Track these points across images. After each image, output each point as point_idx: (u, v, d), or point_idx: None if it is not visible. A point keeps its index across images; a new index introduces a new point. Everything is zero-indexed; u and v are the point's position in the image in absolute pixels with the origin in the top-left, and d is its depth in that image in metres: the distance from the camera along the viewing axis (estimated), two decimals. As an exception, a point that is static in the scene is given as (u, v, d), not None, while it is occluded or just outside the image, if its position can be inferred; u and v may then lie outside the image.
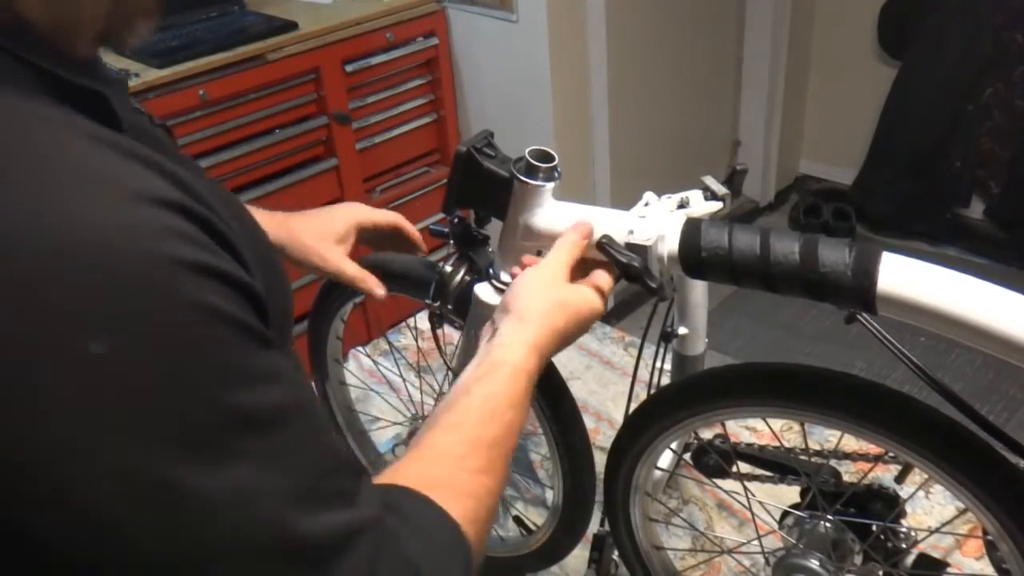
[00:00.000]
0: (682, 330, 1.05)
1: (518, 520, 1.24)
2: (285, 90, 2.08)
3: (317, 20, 2.13)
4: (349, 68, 2.18)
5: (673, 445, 1.06)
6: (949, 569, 0.90)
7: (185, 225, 0.41)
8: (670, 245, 0.75)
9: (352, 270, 0.97)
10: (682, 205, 0.97)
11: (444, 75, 2.42)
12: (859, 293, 0.67)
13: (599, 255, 0.77)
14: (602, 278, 0.78)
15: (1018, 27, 2.72)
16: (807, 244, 0.69)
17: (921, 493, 1.20)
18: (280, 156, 2.13)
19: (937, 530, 0.97)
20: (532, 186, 0.79)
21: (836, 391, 0.80)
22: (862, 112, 3.09)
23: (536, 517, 1.25)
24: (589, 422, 1.42)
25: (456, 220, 0.97)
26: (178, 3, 2.11)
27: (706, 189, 0.82)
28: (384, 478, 0.58)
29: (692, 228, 0.74)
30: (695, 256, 0.73)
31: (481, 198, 0.84)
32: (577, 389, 1.53)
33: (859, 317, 0.80)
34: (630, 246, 0.75)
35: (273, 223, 0.95)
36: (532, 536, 1.17)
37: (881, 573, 0.92)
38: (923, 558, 0.91)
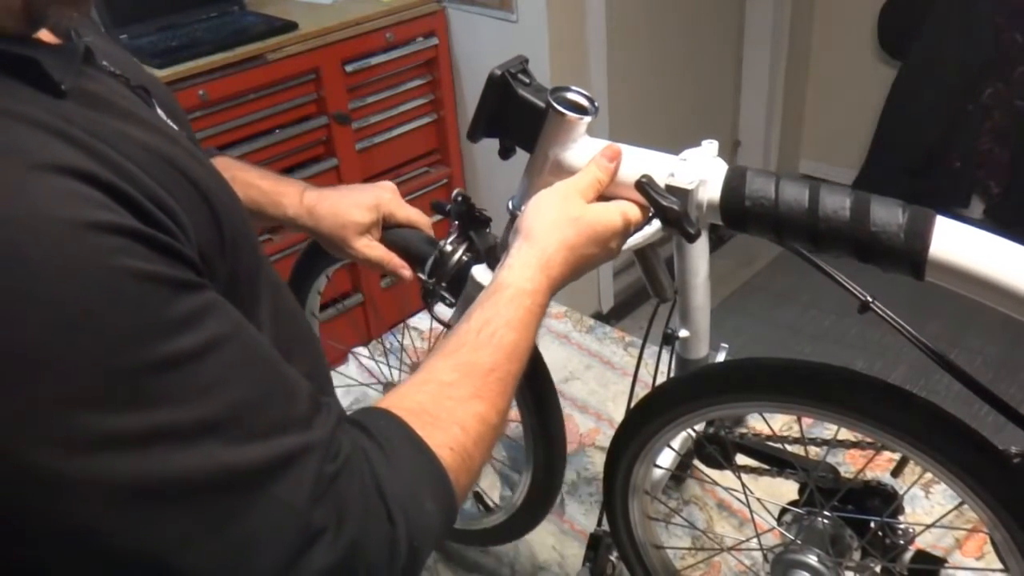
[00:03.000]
0: (683, 333, 1.05)
1: (478, 496, 1.24)
2: (285, 90, 2.08)
3: (317, 20, 2.13)
4: (349, 68, 2.18)
5: (674, 444, 1.06)
6: (947, 566, 0.90)
7: (86, 189, 0.42)
8: (712, 192, 0.71)
9: (375, 254, 0.95)
10: None
11: (444, 75, 2.42)
12: (910, 256, 0.64)
13: (633, 195, 0.73)
14: (629, 205, 0.73)
15: (1018, 27, 2.72)
16: (858, 201, 0.66)
17: (921, 493, 1.20)
18: (280, 156, 2.13)
19: (933, 525, 0.97)
20: (568, 119, 0.75)
21: (831, 384, 0.80)
22: (862, 112, 3.09)
23: (497, 497, 1.25)
24: (589, 422, 1.42)
25: (460, 199, 0.96)
26: (178, 3, 2.11)
27: None
28: (379, 402, 0.59)
29: (737, 175, 0.70)
30: (738, 205, 0.69)
31: (510, 127, 0.79)
32: (577, 389, 1.53)
33: (872, 306, 0.79)
34: (670, 188, 0.71)
35: (303, 210, 0.93)
36: (491, 514, 1.16)
37: (879, 568, 0.92)
38: (921, 555, 0.91)
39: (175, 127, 0.63)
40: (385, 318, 2.18)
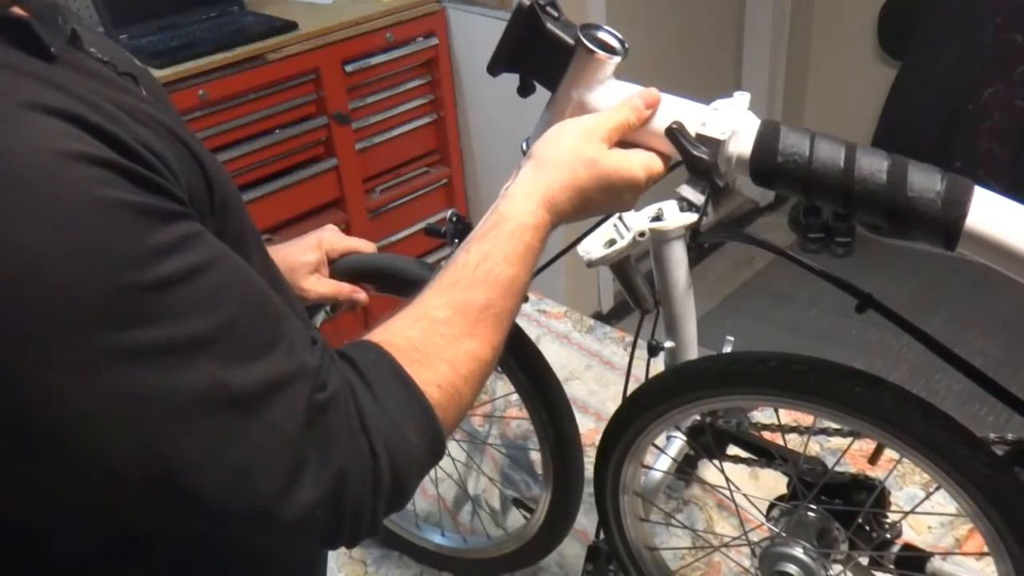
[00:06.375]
0: (668, 344, 1.04)
1: (517, 502, 1.24)
2: (285, 90, 2.08)
3: (317, 20, 2.13)
4: (349, 68, 2.18)
5: (662, 443, 1.06)
6: (934, 558, 0.90)
7: (73, 129, 0.44)
8: (743, 145, 0.68)
9: (324, 290, 0.96)
10: (657, 217, 0.96)
11: (444, 75, 2.42)
12: (946, 225, 0.62)
13: (658, 144, 0.71)
14: (653, 158, 0.70)
15: (1018, 27, 2.72)
16: (896, 165, 0.64)
17: (921, 493, 1.20)
18: (280, 156, 2.13)
19: (912, 512, 0.96)
20: (597, 57, 0.71)
21: (802, 373, 0.80)
22: (862, 112, 3.09)
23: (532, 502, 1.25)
24: (589, 422, 1.42)
25: (455, 218, 0.96)
26: (178, 3, 2.11)
27: (681, 199, 0.76)
28: (371, 335, 0.60)
29: (771, 129, 0.68)
30: (770, 160, 0.67)
31: (534, 63, 0.75)
32: (577, 389, 1.53)
33: (871, 302, 0.78)
34: (701, 138, 0.69)
35: None
36: (533, 516, 1.16)
37: (866, 560, 0.92)
38: (908, 547, 0.91)
39: (169, 110, 0.64)
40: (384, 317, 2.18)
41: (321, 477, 0.50)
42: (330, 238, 0.99)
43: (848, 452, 1.06)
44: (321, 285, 0.97)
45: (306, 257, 0.96)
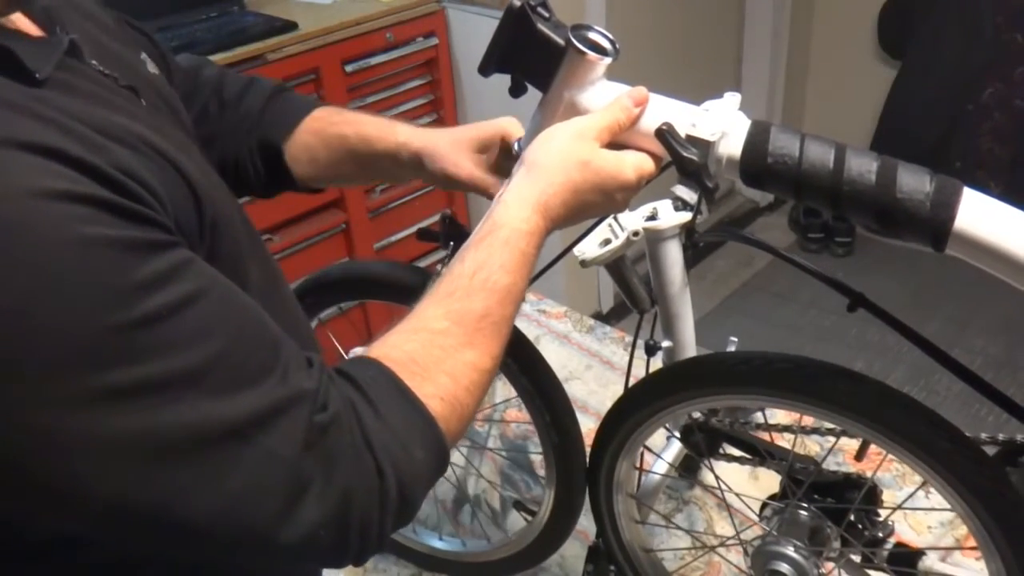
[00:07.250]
0: (665, 343, 1.04)
1: (518, 504, 1.23)
2: (285, 90, 2.08)
3: (317, 20, 2.13)
4: (349, 68, 2.18)
5: (654, 444, 1.06)
6: (926, 556, 0.90)
7: (51, 164, 0.43)
8: (733, 146, 0.69)
9: (463, 173, 0.85)
10: (651, 217, 0.95)
11: (444, 75, 2.42)
12: (934, 226, 0.63)
13: (649, 145, 0.72)
14: (644, 159, 0.71)
15: (1018, 27, 2.72)
16: (885, 166, 0.65)
17: (921, 493, 1.20)
18: (280, 156, 2.13)
19: (900, 507, 0.96)
20: (588, 59, 0.72)
21: (787, 373, 0.80)
22: (862, 112, 3.09)
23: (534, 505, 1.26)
24: (589, 422, 1.42)
25: (447, 220, 0.95)
26: (178, 3, 2.11)
27: (676, 199, 0.75)
28: (370, 350, 0.59)
29: (761, 130, 0.69)
30: (760, 161, 0.68)
31: (525, 63, 0.75)
32: (577, 389, 1.53)
33: (862, 302, 0.79)
34: (691, 139, 0.69)
35: (415, 134, 0.87)
36: (536, 518, 1.16)
37: (858, 558, 0.92)
38: (900, 546, 0.92)
39: (170, 121, 0.63)
40: (384, 317, 2.17)
41: (325, 498, 0.50)
42: (509, 124, 0.88)
43: (845, 451, 1.06)
44: (463, 168, 0.85)
45: (478, 135, 0.86)
